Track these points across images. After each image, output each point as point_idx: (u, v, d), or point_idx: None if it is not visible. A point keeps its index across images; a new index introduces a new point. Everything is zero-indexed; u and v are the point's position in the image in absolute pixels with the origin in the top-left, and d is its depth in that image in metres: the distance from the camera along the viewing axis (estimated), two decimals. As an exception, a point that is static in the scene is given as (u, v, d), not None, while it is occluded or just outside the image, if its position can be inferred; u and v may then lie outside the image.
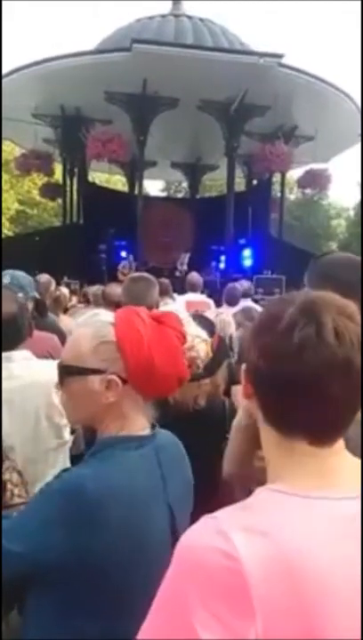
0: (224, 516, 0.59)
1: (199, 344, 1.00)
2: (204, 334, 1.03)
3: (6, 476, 1.19)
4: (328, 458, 0.65)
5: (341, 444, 0.66)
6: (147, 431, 1.01)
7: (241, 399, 0.76)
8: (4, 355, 1.66)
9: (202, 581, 0.53)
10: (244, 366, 0.70)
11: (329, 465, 0.65)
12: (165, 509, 0.96)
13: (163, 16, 12.70)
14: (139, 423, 1.00)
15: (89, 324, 1.02)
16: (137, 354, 0.95)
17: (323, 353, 0.61)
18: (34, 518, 0.90)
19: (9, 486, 1.17)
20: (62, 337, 2.73)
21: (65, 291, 5.16)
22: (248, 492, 0.67)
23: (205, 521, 0.59)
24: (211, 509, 0.62)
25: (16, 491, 1.18)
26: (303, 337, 0.62)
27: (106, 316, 1.02)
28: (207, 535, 0.56)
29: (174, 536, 0.93)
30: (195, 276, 5.35)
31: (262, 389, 0.68)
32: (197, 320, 1.23)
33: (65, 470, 0.99)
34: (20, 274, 2.58)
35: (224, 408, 1.87)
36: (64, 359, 1.01)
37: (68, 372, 0.99)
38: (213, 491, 1.20)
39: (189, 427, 1.23)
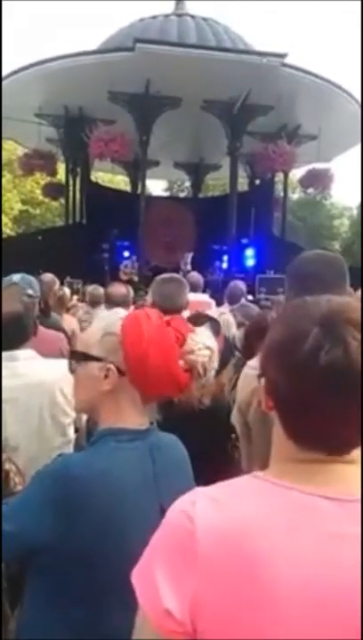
0: (203, 489, 0.69)
1: (202, 350, 1.00)
2: (211, 343, 1.04)
3: (7, 466, 1.25)
4: (342, 466, 0.66)
5: (357, 453, 0.67)
6: (143, 427, 1.04)
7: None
8: (9, 354, 1.67)
9: (168, 535, 0.66)
10: (263, 381, 0.71)
11: (335, 471, 0.65)
12: (155, 506, 0.97)
13: (166, 16, 12.70)
14: (134, 418, 1.03)
15: (105, 318, 1.10)
16: (134, 347, 0.99)
17: (351, 373, 0.61)
18: (25, 499, 0.98)
19: (11, 475, 1.22)
20: (67, 336, 2.74)
21: (66, 290, 5.17)
22: None
23: (191, 491, 0.69)
24: None
25: (17, 479, 1.24)
26: (331, 359, 0.61)
27: (123, 314, 1.08)
28: (185, 501, 0.67)
29: None
30: (195, 276, 5.34)
31: (283, 406, 0.68)
32: (202, 320, 1.23)
33: (60, 455, 1.04)
34: (30, 277, 2.65)
35: (229, 408, 1.87)
36: (77, 346, 1.11)
37: (75, 357, 1.09)
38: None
39: (194, 426, 1.24)
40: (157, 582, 0.62)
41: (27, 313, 1.72)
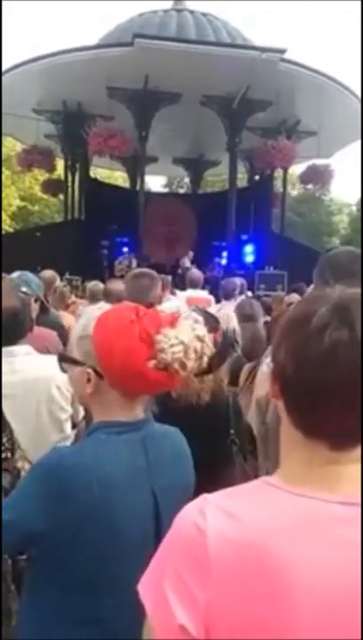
0: (212, 497, 0.66)
1: (174, 346, 0.96)
2: (188, 337, 0.99)
3: (19, 464, 1.26)
4: (344, 465, 0.65)
5: (358, 453, 0.65)
6: (135, 420, 1.04)
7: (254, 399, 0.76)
8: (6, 349, 1.67)
9: (177, 548, 0.64)
10: (271, 366, 0.70)
11: (339, 472, 0.64)
12: (148, 494, 0.99)
13: (165, 11, 12.64)
14: (123, 414, 1.03)
15: (84, 316, 1.11)
16: (101, 349, 0.99)
17: (355, 356, 0.60)
18: (21, 490, 1.01)
19: (23, 473, 1.23)
20: (64, 333, 2.74)
21: (65, 287, 5.17)
22: None
23: (199, 499, 0.67)
24: None
25: None
26: (335, 339, 0.60)
27: (103, 310, 1.07)
28: (193, 511, 0.65)
29: (158, 523, 0.97)
30: (195, 273, 5.36)
31: (288, 391, 0.67)
32: (200, 315, 1.22)
33: (54, 448, 1.07)
34: (30, 274, 2.67)
35: (228, 404, 1.87)
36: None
37: (60, 359, 1.13)
38: (215, 483, 1.20)
39: (193, 422, 1.24)
40: (168, 597, 0.61)
41: (23, 309, 1.72)
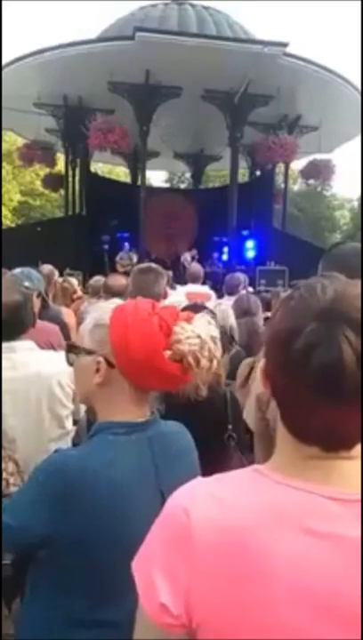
0: (203, 481, 0.69)
1: (191, 339, 0.96)
2: (204, 333, 0.99)
3: (2, 465, 1.21)
4: (341, 462, 0.64)
5: (358, 449, 0.65)
6: (141, 419, 1.03)
7: (252, 396, 0.76)
8: (7, 345, 1.67)
9: (164, 529, 0.67)
10: (262, 363, 0.70)
11: (334, 466, 0.64)
12: (156, 496, 0.97)
13: (166, 4, 12.54)
14: (130, 410, 1.02)
15: (98, 309, 1.09)
16: (118, 338, 0.98)
17: (345, 377, 0.59)
18: (23, 494, 1.00)
19: (4, 475, 1.20)
20: (65, 328, 2.74)
21: (74, 281, 5.16)
22: None
23: (192, 483, 0.70)
24: None
25: (11, 480, 1.22)
26: (323, 361, 0.59)
27: (116, 303, 1.07)
28: (183, 494, 0.68)
29: None
30: (196, 268, 5.35)
31: (279, 396, 0.67)
32: (194, 309, 1.22)
33: (57, 450, 1.05)
34: (31, 270, 2.69)
35: (226, 399, 1.88)
36: (71, 339, 1.10)
37: (70, 350, 1.11)
38: None
39: (191, 417, 1.24)
40: (153, 576, 0.63)
41: (25, 304, 1.72)
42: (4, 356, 1.63)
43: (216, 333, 1.02)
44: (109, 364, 1.00)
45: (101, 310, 1.06)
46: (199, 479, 0.70)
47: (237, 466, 1.87)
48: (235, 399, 1.94)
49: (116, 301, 1.10)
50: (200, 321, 1.01)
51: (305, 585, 0.58)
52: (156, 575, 0.63)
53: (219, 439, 1.81)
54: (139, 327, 0.97)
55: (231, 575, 0.60)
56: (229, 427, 1.84)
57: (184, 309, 1.34)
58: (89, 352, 1.03)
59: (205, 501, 0.64)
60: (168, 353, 0.96)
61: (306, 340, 0.61)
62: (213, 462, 1.17)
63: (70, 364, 1.12)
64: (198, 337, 0.97)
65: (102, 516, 0.92)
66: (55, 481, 0.93)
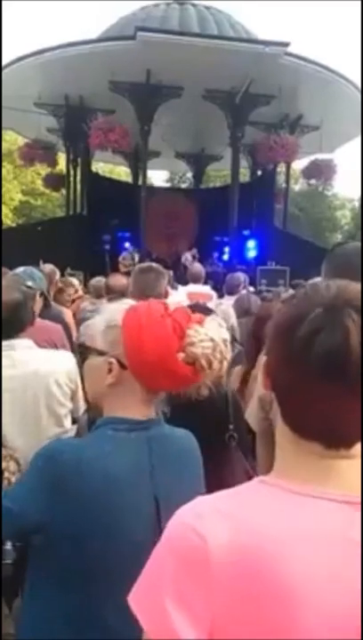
0: (210, 499, 0.63)
1: (204, 342, 0.97)
2: (217, 335, 1.01)
3: (4, 465, 1.22)
4: (342, 461, 0.62)
5: (358, 448, 0.63)
6: (144, 419, 1.03)
7: (255, 396, 0.74)
8: (6, 343, 1.67)
9: (176, 557, 0.59)
10: (264, 359, 0.68)
11: (338, 468, 0.62)
12: (149, 498, 0.97)
13: (167, 4, 12.55)
14: (137, 410, 1.02)
15: (109, 310, 1.09)
16: (131, 340, 0.98)
17: (349, 362, 0.57)
18: (23, 480, 1.01)
19: (6, 474, 1.21)
20: (67, 328, 2.74)
21: (74, 281, 5.15)
22: None
23: (195, 501, 0.63)
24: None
25: (13, 479, 1.22)
26: (328, 344, 0.57)
27: (129, 304, 1.07)
28: (190, 514, 0.61)
29: (159, 526, 0.95)
30: (196, 267, 5.34)
31: (280, 391, 0.65)
32: (197, 310, 1.22)
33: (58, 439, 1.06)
34: (33, 269, 2.69)
35: (227, 398, 1.87)
36: (73, 339, 1.10)
37: (80, 350, 1.11)
38: (215, 479, 1.20)
39: (192, 416, 1.24)
40: (167, 609, 0.56)
41: (24, 302, 1.72)
42: (3, 353, 1.64)
43: (227, 336, 1.03)
44: (122, 366, 1.00)
45: (113, 311, 1.06)
46: (201, 498, 0.64)
47: (239, 466, 1.87)
48: (236, 399, 1.94)
49: (128, 302, 1.09)
50: (211, 323, 1.02)
51: (337, 598, 0.55)
52: (170, 607, 0.56)
53: (220, 439, 1.80)
54: (152, 329, 0.98)
55: (257, 597, 0.55)
56: (231, 426, 1.83)
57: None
58: (101, 353, 1.03)
59: (215, 520, 0.58)
60: (181, 355, 0.97)
61: (310, 326, 0.59)
62: (214, 462, 1.17)
63: (81, 363, 1.11)
64: (211, 340, 0.98)
65: (95, 508, 0.92)
66: (50, 468, 0.94)
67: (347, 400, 0.59)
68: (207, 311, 1.59)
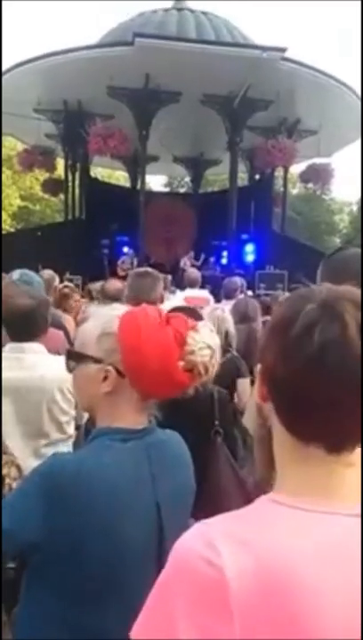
0: (217, 524, 0.58)
1: (203, 350, 0.99)
2: (213, 342, 1.02)
3: (5, 471, 1.21)
4: (344, 470, 0.61)
5: (358, 455, 0.62)
6: (140, 427, 1.02)
7: (252, 400, 0.73)
8: (16, 345, 1.69)
9: (187, 588, 0.54)
10: (259, 367, 0.66)
11: (342, 478, 0.60)
12: (151, 505, 0.97)
13: (165, 10, 12.61)
14: (131, 418, 1.02)
15: (101, 315, 1.06)
16: (131, 348, 0.97)
17: (348, 354, 0.55)
18: (18, 497, 0.98)
19: (7, 480, 1.20)
20: (67, 335, 2.74)
21: (72, 286, 5.16)
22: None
23: (199, 527, 0.59)
24: (199, 498, 0.62)
25: (14, 485, 1.21)
26: (325, 337, 0.56)
27: (120, 310, 1.05)
28: (197, 542, 0.56)
29: (161, 534, 0.96)
30: (194, 272, 5.36)
31: (278, 393, 0.63)
32: (184, 312, 1.23)
33: (54, 454, 1.03)
34: (31, 273, 2.67)
35: (212, 398, 1.90)
36: (74, 345, 1.09)
37: (72, 358, 1.06)
38: (200, 479, 1.21)
39: (177, 413, 1.24)
40: None
41: (38, 308, 1.74)
42: (12, 355, 1.65)
43: (218, 341, 1.04)
44: (119, 373, 0.99)
45: (106, 317, 1.04)
46: (206, 521, 0.59)
47: (224, 460, 1.89)
48: (223, 397, 1.96)
49: (117, 306, 1.09)
50: (205, 330, 1.02)
51: (356, 616, 0.52)
52: None
53: (206, 435, 1.84)
54: (153, 337, 0.97)
55: (283, 623, 0.51)
56: (216, 422, 1.87)
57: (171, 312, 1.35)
58: (97, 360, 1.01)
59: (228, 548, 0.53)
60: (181, 363, 0.97)
61: (305, 320, 0.58)
62: (200, 457, 1.18)
63: (70, 370, 1.08)
64: (209, 347, 0.99)
65: (98, 521, 0.91)
66: (51, 484, 0.92)
67: (347, 397, 0.57)
68: (197, 316, 1.61)
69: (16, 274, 2.58)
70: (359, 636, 0.52)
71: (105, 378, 0.99)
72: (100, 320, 1.05)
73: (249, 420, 1.97)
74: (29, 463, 1.60)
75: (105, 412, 1.02)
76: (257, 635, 0.51)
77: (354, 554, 0.55)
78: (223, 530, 0.56)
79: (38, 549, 0.92)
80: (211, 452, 1.82)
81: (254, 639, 0.51)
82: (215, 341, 1.02)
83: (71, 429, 1.80)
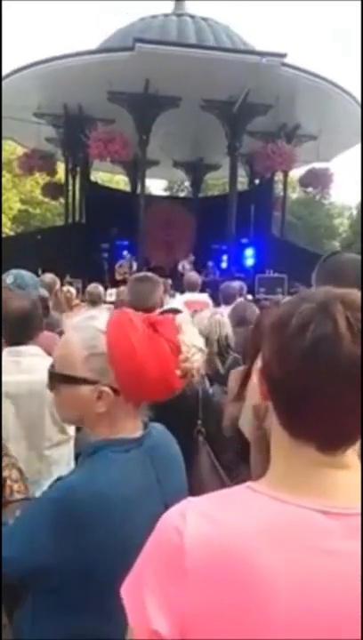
0: (196, 501, 0.66)
1: (195, 355, 0.99)
2: (200, 342, 1.03)
3: (5, 473, 1.20)
4: (336, 471, 0.62)
5: (354, 458, 0.64)
6: (139, 433, 1.01)
7: (248, 403, 0.76)
8: (13, 349, 1.69)
9: (156, 551, 0.63)
10: (259, 365, 0.68)
11: (334, 478, 0.62)
12: (161, 509, 0.96)
13: (166, 15, 12.70)
14: (130, 427, 1.01)
15: (81, 329, 1.00)
16: (127, 366, 0.94)
17: (340, 351, 0.57)
18: (25, 526, 0.94)
19: (8, 482, 1.19)
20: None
21: (72, 290, 5.19)
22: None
23: (182, 502, 0.66)
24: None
25: (15, 487, 1.20)
26: (318, 334, 0.58)
27: (100, 321, 1.00)
28: (175, 514, 0.64)
29: None
30: (193, 276, 5.36)
31: (275, 391, 0.65)
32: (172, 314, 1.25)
33: (59, 479, 1.00)
34: (27, 274, 2.60)
35: (197, 396, 1.91)
36: (56, 365, 1.01)
37: (59, 380, 1.00)
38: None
39: (162, 410, 1.25)
40: (145, 601, 0.60)
41: (33, 310, 1.74)
42: (10, 359, 1.65)
43: (201, 338, 1.04)
44: (114, 391, 0.96)
45: (89, 333, 0.98)
46: (190, 498, 0.66)
47: (205, 459, 1.91)
48: (208, 396, 1.98)
49: (94, 315, 1.03)
50: (188, 328, 1.01)
51: (305, 606, 0.56)
52: (148, 599, 0.60)
53: (189, 433, 1.85)
54: (150, 352, 0.94)
55: (228, 597, 0.57)
56: (199, 422, 1.88)
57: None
58: (89, 382, 0.96)
59: (198, 522, 0.61)
60: (177, 372, 0.97)
61: (300, 319, 0.61)
62: (185, 454, 1.19)
63: (51, 389, 1.01)
64: (199, 350, 0.99)
65: (114, 540, 0.88)
66: (65, 512, 0.88)
67: (340, 394, 0.58)
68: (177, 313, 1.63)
69: (10, 277, 2.50)
70: (308, 622, 0.56)
71: (98, 397, 0.96)
72: (83, 336, 0.99)
73: (245, 424, 1.98)
74: (34, 466, 1.61)
75: (101, 425, 0.99)
76: (206, 597, 0.58)
77: (306, 543, 0.58)
78: (200, 505, 0.64)
79: (50, 575, 0.90)
80: (192, 450, 1.84)
81: (203, 600, 0.58)
82: (200, 340, 1.02)
83: (72, 430, 1.81)
